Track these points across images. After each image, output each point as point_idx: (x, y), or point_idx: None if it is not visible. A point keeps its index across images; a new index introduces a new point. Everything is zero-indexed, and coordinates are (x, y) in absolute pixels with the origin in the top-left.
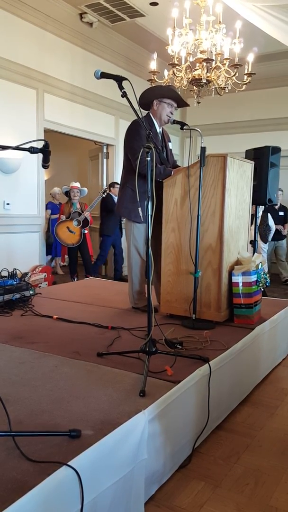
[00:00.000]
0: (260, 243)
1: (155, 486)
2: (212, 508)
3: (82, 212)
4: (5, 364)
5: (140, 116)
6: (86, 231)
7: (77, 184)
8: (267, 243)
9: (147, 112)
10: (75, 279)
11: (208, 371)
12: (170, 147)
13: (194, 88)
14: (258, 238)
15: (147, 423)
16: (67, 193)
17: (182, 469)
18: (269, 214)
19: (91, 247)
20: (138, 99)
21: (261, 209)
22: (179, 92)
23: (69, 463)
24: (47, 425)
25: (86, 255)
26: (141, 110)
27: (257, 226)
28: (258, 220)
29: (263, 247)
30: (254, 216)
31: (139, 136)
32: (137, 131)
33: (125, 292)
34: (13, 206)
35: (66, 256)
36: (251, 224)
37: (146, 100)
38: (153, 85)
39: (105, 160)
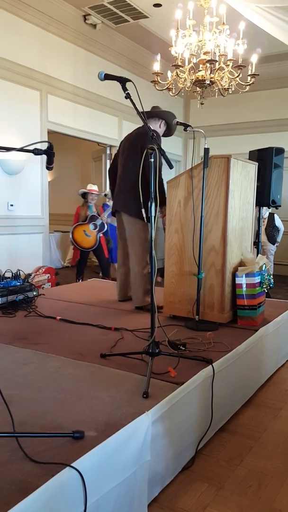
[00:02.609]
0: (268, 245)
1: (158, 488)
2: (215, 510)
3: (99, 215)
4: (8, 365)
5: (144, 117)
6: (101, 235)
7: (95, 187)
8: (275, 245)
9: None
10: (80, 281)
11: (212, 372)
12: None
13: (198, 89)
14: (264, 239)
15: (150, 424)
16: (83, 195)
17: (185, 470)
18: (275, 215)
19: (106, 250)
20: (155, 109)
21: (266, 210)
22: (182, 93)
23: (72, 464)
24: (50, 426)
25: (102, 257)
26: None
27: (260, 228)
28: (262, 221)
29: (271, 249)
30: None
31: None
32: None
33: None
34: (17, 207)
35: (68, 258)
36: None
37: (160, 116)
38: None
39: (108, 161)
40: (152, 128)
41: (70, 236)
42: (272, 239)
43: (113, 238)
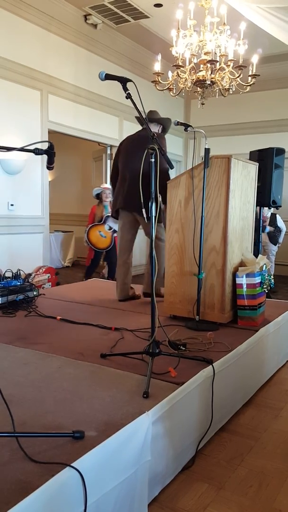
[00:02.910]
0: (269, 245)
1: (158, 488)
2: (216, 510)
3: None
4: (9, 365)
5: (144, 117)
6: (116, 235)
7: (108, 185)
8: (277, 245)
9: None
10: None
11: (212, 372)
12: None
13: (198, 89)
14: (266, 240)
15: (150, 424)
16: (98, 195)
17: (186, 470)
18: (278, 216)
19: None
20: (154, 114)
21: (267, 210)
22: (183, 93)
23: (72, 464)
24: (50, 426)
25: (114, 258)
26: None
27: (261, 228)
28: (262, 222)
29: (273, 249)
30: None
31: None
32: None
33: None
34: (17, 207)
35: (69, 258)
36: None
37: (160, 122)
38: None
39: (109, 161)
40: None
41: (85, 236)
42: (273, 240)
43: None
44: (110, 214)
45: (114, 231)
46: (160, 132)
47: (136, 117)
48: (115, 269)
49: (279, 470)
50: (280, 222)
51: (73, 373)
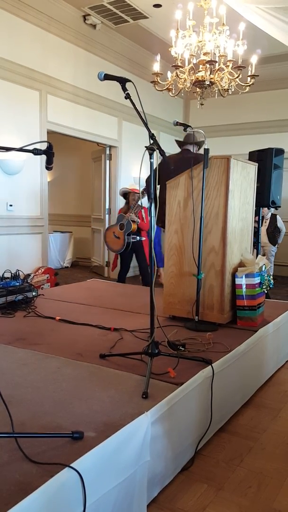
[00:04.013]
0: (269, 246)
1: (157, 488)
2: (215, 510)
3: (140, 217)
4: (8, 366)
5: (144, 118)
6: (143, 238)
7: (137, 187)
8: (276, 246)
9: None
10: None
11: (211, 373)
12: None
13: (197, 89)
14: (265, 240)
15: (149, 425)
16: (125, 195)
17: (185, 471)
18: (278, 216)
19: (147, 254)
20: (190, 137)
21: (267, 211)
22: (182, 93)
23: (71, 465)
24: (49, 426)
25: (143, 263)
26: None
27: (260, 228)
28: (264, 222)
29: (272, 250)
30: (263, 218)
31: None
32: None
33: (126, 293)
34: (16, 208)
35: (68, 258)
36: (261, 226)
37: (198, 144)
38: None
39: (107, 161)
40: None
41: (103, 238)
42: (273, 240)
43: (157, 241)
44: (122, 214)
45: (126, 231)
46: (198, 150)
47: (176, 140)
48: (146, 274)
49: (278, 470)
50: (280, 223)
51: (72, 373)
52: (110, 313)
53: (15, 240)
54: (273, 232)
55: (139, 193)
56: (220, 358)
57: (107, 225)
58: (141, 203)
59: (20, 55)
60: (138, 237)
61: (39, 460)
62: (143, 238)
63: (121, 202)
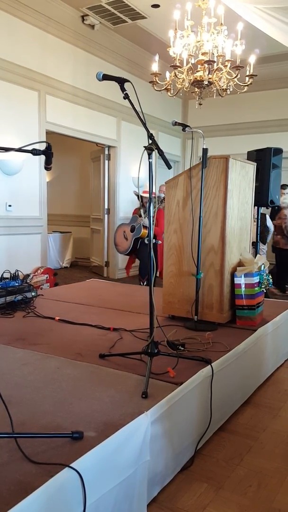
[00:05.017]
0: (259, 244)
1: (157, 488)
2: (215, 510)
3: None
4: (7, 366)
5: (142, 118)
6: (159, 242)
7: (147, 190)
8: (266, 244)
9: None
10: (143, 284)
11: (211, 372)
12: None
13: (196, 89)
14: (254, 239)
15: (149, 424)
16: (140, 197)
17: (185, 470)
18: (267, 215)
19: (161, 260)
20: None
21: (267, 210)
22: (181, 93)
23: (71, 465)
24: (49, 426)
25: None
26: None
27: (258, 228)
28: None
29: (263, 248)
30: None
31: None
32: None
33: (126, 293)
34: (15, 208)
35: (67, 259)
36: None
37: None
38: None
39: (106, 161)
40: None
41: (114, 233)
42: (263, 239)
43: None
44: (136, 215)
45: (135, 234)
46: None
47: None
48: (144, 269)
49: (278, 469)
50: (269, 222)
51: (71, 373)
52: (110, 313)
53: (14, 240)
54: (263, 231)
55: (148, 196)
56: (219, 357)
57: (106, 225)
58: (158, 204)
59: (18, 55)
60: (154, 240)
61: (39, 460)
62: (159, 242)
63: (121, 202)
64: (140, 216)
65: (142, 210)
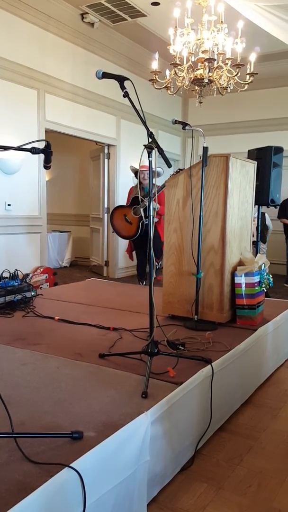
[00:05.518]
0: (259, 243)
1: (157, 488)
2: (215, 510)
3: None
4: (7, 366)
5: (142, 116)
6: (157, 219)
7: (146, 164)
8: (266, 243)
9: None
10: (143, 284)
11: (211, 372)
12: None
13: (196, 88)
14: (254, 239)
15: (149, 424)
16: (136, 174)
17: (185, 470)
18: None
19: (162, 236)
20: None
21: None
22: (181, 91)
23: (71, 465)
24: (49, 426)
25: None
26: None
27: (259, 227)
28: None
29: (263, 247)
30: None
31: None
32: None
33: (125, 293)
34: (14, 207)
35: (67, 258)
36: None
37: None
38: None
39: (106, 160)
40: None
41: (109, 219)
42: (263, 238)
43: None
44: (137, 196)
45: (141, 218)
46: None
47: None
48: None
49: (278, 470)
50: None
51: (71, 373)
52: (109, 313)
53: (13, 240)
54: (262, 230)
55: (147, 171)
56: (219, 357)
57: (106, 225)
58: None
59: (18, 54)
60: (157, 219)
61: (39, 460)
62: (156, 219)
63: (120, 201)
64: (142, 201)
65: (141, 194)
